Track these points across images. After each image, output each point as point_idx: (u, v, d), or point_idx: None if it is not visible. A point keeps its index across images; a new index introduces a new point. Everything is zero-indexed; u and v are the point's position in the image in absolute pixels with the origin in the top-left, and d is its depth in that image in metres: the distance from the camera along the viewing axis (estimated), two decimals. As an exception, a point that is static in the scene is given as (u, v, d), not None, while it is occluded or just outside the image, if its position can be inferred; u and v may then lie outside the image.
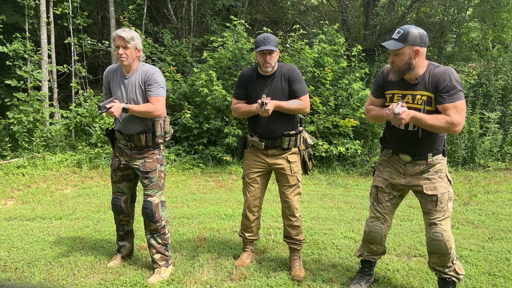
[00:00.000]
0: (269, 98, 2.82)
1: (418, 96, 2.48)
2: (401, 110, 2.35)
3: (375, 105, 2.71)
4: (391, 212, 2.74)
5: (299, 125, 3.09)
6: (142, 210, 2.92)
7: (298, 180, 3.03)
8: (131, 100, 2.83)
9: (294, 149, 3.03)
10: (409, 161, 2.60)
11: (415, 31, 2.41)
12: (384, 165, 2.74)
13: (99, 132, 7.76)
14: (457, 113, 2.40)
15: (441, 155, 2.60)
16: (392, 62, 2.48)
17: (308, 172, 3.17)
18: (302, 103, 2.92)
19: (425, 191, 2.55)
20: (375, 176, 2.79)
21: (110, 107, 2.70)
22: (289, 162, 3.00)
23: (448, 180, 2.60)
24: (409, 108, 2.44)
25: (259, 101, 2.77)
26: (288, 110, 2.89)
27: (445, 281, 2.65)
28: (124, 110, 2.77)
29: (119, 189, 3.03)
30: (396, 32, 2.45)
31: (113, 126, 3.08)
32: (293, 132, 2.97)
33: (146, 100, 2.84)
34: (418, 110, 2.46)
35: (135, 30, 8.66)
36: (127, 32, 2.76)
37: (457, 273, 2.62)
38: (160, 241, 2.96)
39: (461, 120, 2.41)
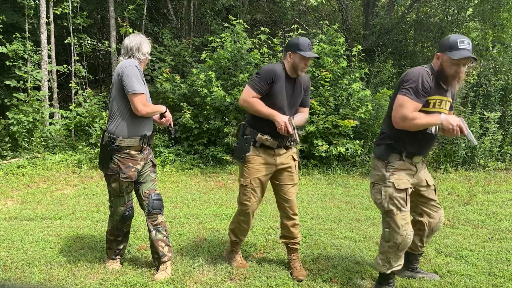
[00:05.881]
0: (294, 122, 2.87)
1: (445, 101, 2.63)
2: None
3: (417, 111, 2.52)
4: None
5: None
6: (152, 204, 2.90)
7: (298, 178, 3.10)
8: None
9: (294, 149, 3.08)
10: (419, 162, 2.75)
11: None
12: (401, 169, 2.66)
13: (99, 132, 7.76)
14: None
15: None
16: (463, 72, 2.51)
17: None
18: (307, 116, 3.13)
19: (429, 183, 2.80)
20: (396, 180, 2.61)
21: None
22: (294, 160, 3.04)
23: None
24: (434, 112, 2.55)
25: (292, 137, 2.84)
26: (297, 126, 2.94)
27: (419, 256, 3.00)
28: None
29: (130, 196, 2.99)
30: (466, 42, 2.45)
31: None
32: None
33: None
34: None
35: (134, 31, 8.67)
36: None
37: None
38: (165, 232, 2.99)
39: None
